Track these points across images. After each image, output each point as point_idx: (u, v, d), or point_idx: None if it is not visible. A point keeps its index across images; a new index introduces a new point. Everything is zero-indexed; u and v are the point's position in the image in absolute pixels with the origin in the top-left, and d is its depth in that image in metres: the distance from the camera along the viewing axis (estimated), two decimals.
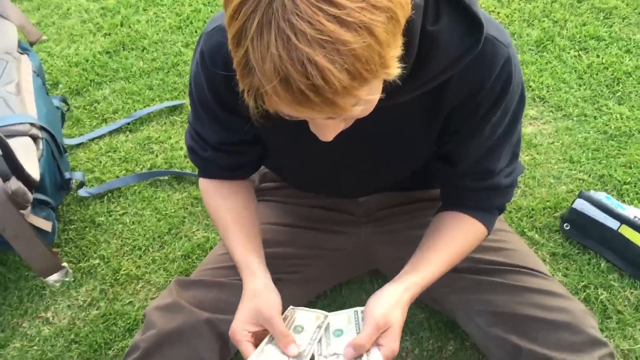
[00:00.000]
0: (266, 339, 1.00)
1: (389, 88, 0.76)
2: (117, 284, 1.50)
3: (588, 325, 1.14)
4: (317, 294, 1.40)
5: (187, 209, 1.67)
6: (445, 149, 1.05)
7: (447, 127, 1.00)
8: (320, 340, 1.01)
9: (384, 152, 1.07)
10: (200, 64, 0.97)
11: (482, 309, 1.20)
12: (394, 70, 0.70)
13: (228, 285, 1.22)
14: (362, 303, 1.38)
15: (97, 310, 1.45)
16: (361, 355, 0.97)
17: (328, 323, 1.04)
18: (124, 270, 1.52)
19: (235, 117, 1.00)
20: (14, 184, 1.19)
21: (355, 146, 1.01)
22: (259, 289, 1.03)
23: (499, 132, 1.00)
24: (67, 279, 1.49)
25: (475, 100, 0.94)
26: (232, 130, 1.05)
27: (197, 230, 1.61)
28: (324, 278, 1.36)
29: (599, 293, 1.37)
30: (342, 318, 1.05)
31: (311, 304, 1.40)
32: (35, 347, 1.39)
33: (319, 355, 0.99)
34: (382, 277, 1.44)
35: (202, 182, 1.17)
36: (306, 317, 1.06)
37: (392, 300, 0.99)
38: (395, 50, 0.70)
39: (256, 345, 0.99)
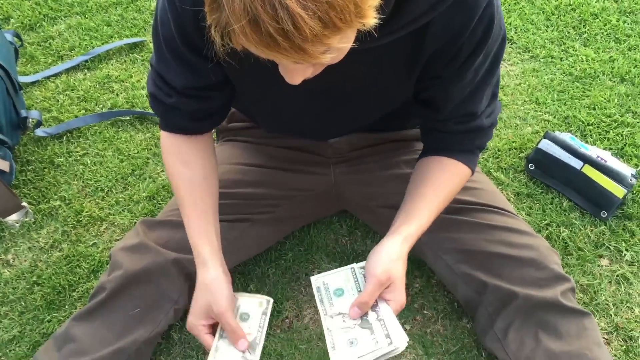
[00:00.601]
0: (217, 334, 1.04)
1: (363, 34, 0.74)
2: (80, 226, 1.47)
3: (552, 262, 1.17)
4: (286, 235, 1.40)
5: (150, 149, 1.62)
6: (426, 94, 1.04)
7: (428, 72, 0.98)
8: (322, 302, 1.03)
9: (358, 95, 1.04)
10: (168, 0, 0.92)
11: (451, 247, 1.22)
12: (370, 20, 0.67)
13: None
14: (330, 243, 1.42)
15: (59, 252, 1.42)
16: (369, 312, 0.99)
17: (327, 283, 1.06)
18: (86, 212, 1.49)
19: (203, 59, 0.95)
20: None
21: (328, 88, 0.99)
22: (209, 283, 1.06)
23: (480, 74, 0.99)
24: (27, 219, 1.45)
25: (457, 45, 0.91)
26: (199, 72, 0.99)
27: (162, 171, 1.57)
28: (293, 218, 1.35)
29: (561, 231, 1.41)
30: (340, 277, 1.07)
31: (280, 245, 1.40)
32: None
33: (324, 315, 1.01)
34: (349, 217, 1.45)
35: (164, 137, 1.12)
36: (249, 303, 1.09)
37: (392, 256, 1.01)
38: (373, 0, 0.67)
39: (214, 333, 1.05)
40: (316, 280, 1.08)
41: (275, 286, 1.35)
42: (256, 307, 1.09)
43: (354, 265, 1.09)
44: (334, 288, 1.06)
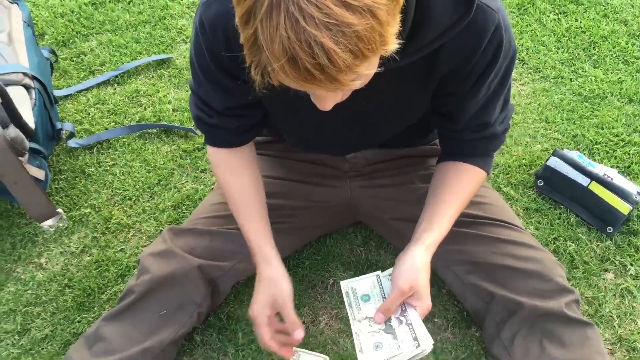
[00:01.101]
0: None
1: (385, 58, 0.81)
2: (109, 232, 1.55)
3: (557, 275, 1.23)
4: (304, 244, 1.47)
5: (175, 161, 1.71)
6: (443, 109, 1.11)
7: (442, 89, 1.05)
8: (351, 306, 1.12)
9: (379, 113, 1.12)
10: (201, 33, 1.00)
11: (460, 258, 1.28)
12: (392, 46, 0.74)
13: (219, 234, 1.28)
14: (345, 252, 1.48)
15: (89, 256, 1.50)
16: (396, 317, 1.07)
17: (355, 288, 1.15)
18: (114, 219, 1.57)
19: (237, 82, 1.04)
20: (13, 131, 1.22)
21: (353, 109, 1.06)
22: (275, 278, 1.16)
23: (492, 89, 1.06)
24: (61, 225, 1.53)
25: (468, 66, 0.99)
26: (236, 94, 1.08)
27: (186, 182, 1.66)
28: (310, 228, 1.42)
29: (568, 245, 1.46)
30: (366, 283, 1.15)
31: (298, 253, 1.47)
32: (29, 291, 1.45)
33: (353, 319, 1.10)
34: (364, 228, 1.52)
35: (211, 152, 1.21)
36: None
37: (415, 265, 1.08)
38: (394, 28, 0.74)
39: (269, 326, 1.14)
40: (345, 285, 1.16)
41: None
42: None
43: (379, 272, 1.16)
44: (361, 294, 1.14)
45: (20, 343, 1.36)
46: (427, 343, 1.02)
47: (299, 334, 1.15)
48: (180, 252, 1.27)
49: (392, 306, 1.07)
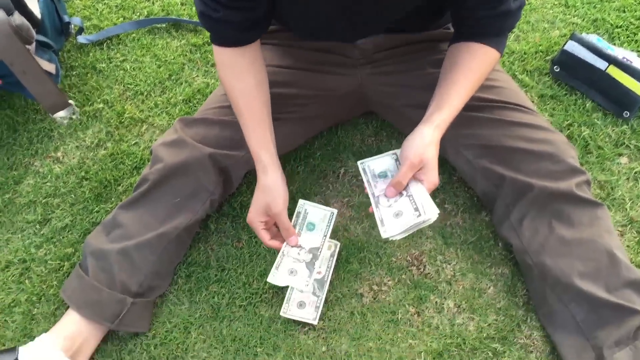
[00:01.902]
0: (281, 252, 1.19)
1: None
2: (122, 127, 1.56)
3: (568, 156, 1.22)
4: (314, 134, 1.47)
5: (186, 55, 1.69)
6: None
7: None
8: (369, 182, 1.15)
9: None
10: None
11: (471, 142, 1.27)
12: None
13: (230, 124, 1.28)
14: (356, 142, 1.48)
15: (104, 150, 1.53)
16: (406, 190, 1.10)
17: (372, 167, 1.17)
18: (128, 114, 1.58)
19: None
20: (18, 18, 1.20)
21: None
22: (270, 186, 1.18)
23: None
24: (74, 117, 1.55)
25: None
26: None
27: (197, 76, 1.65)
28: (320, 118, 1.42)
29: (582, 130, 1.44)
30: (384, 161, 1.18)
31: (309, 144, 1.47)
32: (48, 184, 1.48)
33: (372, 195, 1.13)
34: (375, 118, 1.50)
35: (217, 52, 1.19)
36: (317, 214, 1.25)
37: (425, 141, 1.08)
38: None
39: (268, 229, 1.20)
40: (362, 163, 1.19)
41: (304, 182, 1.44)
42: (321, 218, 1.24)
43: (396, 151, 1.17)
44: (379, 171, 1.16)
45: (42, 232, 1.41)
46: (433, 212, 1.05)
47: (293, 240, 1.20)
48: (191, 142, 1.28)
49: (403, 180, 1.09)
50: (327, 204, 1.40)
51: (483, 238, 1.34)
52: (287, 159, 1.46)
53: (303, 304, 1.27)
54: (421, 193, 1.07)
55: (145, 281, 1.26)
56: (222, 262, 1.35)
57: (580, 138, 1.43)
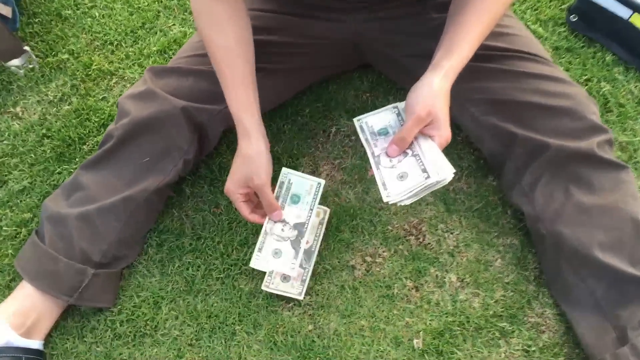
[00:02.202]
0: (263, 230, 1.07)
1: None
2: (89, 80, 1.41)
3: (589, 112, 1.08)
4: (302, 88, 1.32)
5: (161, 2, 1.53)
6: None
7: None
8: (368, 141, 1.01)
9: None
10: None
11: (478, 97, 1.13)
12: None
13: (206, 74, 1.14)
14: (350, 99, 1.34)
15: (68, 105, 1.37)
16: (412, 149, 0.96)
17: (370, 123, 1.03)
18: (95, 66, 1.42)
19: None
20: None
21: None
22: (252, 156, 1.03)
23: None
24: (32, 66, 1.39)
25: None
26: None
27: (173, 25, 1.48)
28: (309, 70, 1.27)
29: (602, 86, 1.29)
30: (384, 116, 1.03)
31: (297, 100, 1.33)
32: (5, 142, 1.33)
33: (371, 155, 0.99)
34: (371, 72, 1.36)
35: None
36: (301, 185, 1.10)
37: (433, 91, 0.94)
38: None
39: (247, 201, 1.07)
40: (358, 120, 1.04)
41: (291, 142, 1.29)
42: (307, 189, 1.10)
43: (397, 104, 1.03)
44: (378, 128, 1.02)
45: None
46: (447, 172, 0.92)
47: (277, 216, 1.07)
48: (162, 93, 1.14)
49: (407, 136, 0.94)
50: (316, 166, 1.26)
51: (490, 205, 1.20)
52: (272, 117, 1.31)
53: (288, 277, 1.13)
54: (431, 151, 0.93)
55: (109, 250, 1.12)
56: (197, 229, 1.21)
57: (599, 95, 1.28)
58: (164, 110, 1.13)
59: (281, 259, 1.05)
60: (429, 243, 1.17)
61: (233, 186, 1.06)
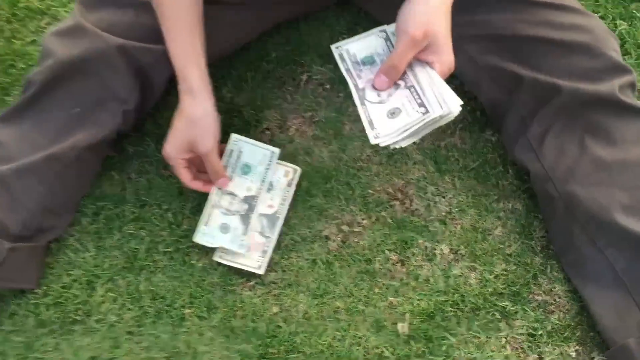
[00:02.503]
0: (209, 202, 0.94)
1: None
2: (16, 20, 1.20)
3: (609, 48, 0.90)
4: (267, 28, 1.12)
5: None
6: None
7: None
8: (350, 72, 0.84)
9: None
10: None
11: (475, 33, 0.95)
12: None
13: (150, 7, 0.93)
14: (324, 41, 1.14)
15: None
16: (404, 80, 0.79)
17: (351, 51, 0.86)
18: (23, 4, 1.21)
19: None
20: None
21: None
22: (198, 119, 0.89)
23: None
24: None
25: None
26: None
27: None
28: (275, 5, 1.06)
29: (618, 24, 1.11)
30: (369, 42, 0.86)
31: (261, 43, 1.13)
32: None
33: (354, 87, 0.83)
34: (349, 10, 1.16)
35: None
36: (254, 154, 0.98)
37: (430, 6, 0.75)
38: None
39: (189, 167, 0.93)
40: (338, 48, 0.87)
41: (254, 92, 1.10)
42: (260, 162, 0.97)
43: (385, 27, 0.86)
44: (362, 56, 0.84)
45: None
46: (454, 105, 0.75)
47: (223, 183, 0.94)
48: (93, 29, 0.94)
49: (399, 62, 0.77)
50: (284, 119, 1.07)
51: (488, 163, 1.02)
52: (232, 62, 1.12)
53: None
54: (431, 80, 0.76)
55: (31, 220, 0.93)
56: (141, 195, 1.02)
57: (615, 34, 1.10)
58: (97, 49, 0.93)
59: (229, 234, 0.92)
60: (416, 209, 0.99)
61: (174, 151, 0.90)
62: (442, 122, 0.77)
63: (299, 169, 1.01)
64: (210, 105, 0.89)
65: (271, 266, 0.95)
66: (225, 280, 0.95)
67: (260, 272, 0.93)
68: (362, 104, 0.80)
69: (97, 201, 1.01)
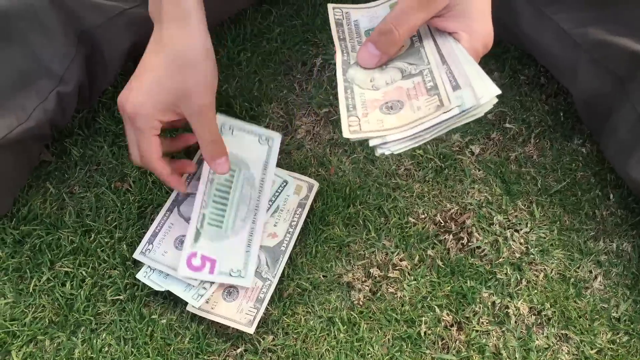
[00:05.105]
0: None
1: None
2: None
3: None
4: None
5: None
6: None
7: None
8: (343, 40, 0.61)
9: None
10: None
11: None
12: None
13: None
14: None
15: None
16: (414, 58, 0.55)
17: (354, 17, 0.63)
18: None
19: None
20: None
21: None
22: (193, 55, 0.58)
23: None
24: None
25: None
26: None
27: None
28: None
29: None
30: (375, 12, 0.63)
31: (260, 14, 0.87)
32: None
33: (341, 62, 0.59)
34: None
35: None
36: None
37: None
38: None
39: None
40: (335, 9, 0.62)
41: (250, 80, 0.82)
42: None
43: None
44: (366, 27, 0.62)
45: None
46: (488, 91, 0.49)
47: (223, 167, 0.65)
48: None
49: (398, 25, 0.51)
50: (290, 116, 0.78)
51: (579, 184, 0.73)
52: (220, 38, 0.83)
53: (233, 291, 0.65)
54: (454, 57, 0.52)
55: None
56: (86, 217, 0.72)
57: None
58: (20, 2, 0.64)
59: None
60: (478, 247, 0.70)
61: (150, 108, 0.58)
62: (469, 118, 0.51)
63: (316, 184, 0.71)
64: (208, 40, 0.59)
65: (268, 325, 0.65)
66: (200, 346, 0.64)
67: (251, 330, 0.63)
68: (349, 83, 0.55)
69: (21, 224, 0.71)
